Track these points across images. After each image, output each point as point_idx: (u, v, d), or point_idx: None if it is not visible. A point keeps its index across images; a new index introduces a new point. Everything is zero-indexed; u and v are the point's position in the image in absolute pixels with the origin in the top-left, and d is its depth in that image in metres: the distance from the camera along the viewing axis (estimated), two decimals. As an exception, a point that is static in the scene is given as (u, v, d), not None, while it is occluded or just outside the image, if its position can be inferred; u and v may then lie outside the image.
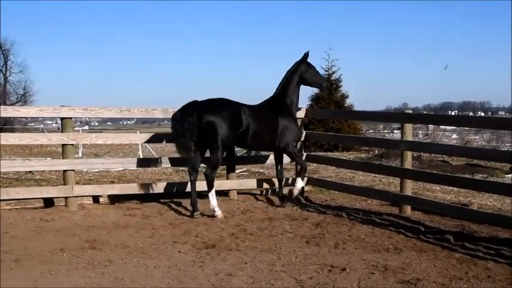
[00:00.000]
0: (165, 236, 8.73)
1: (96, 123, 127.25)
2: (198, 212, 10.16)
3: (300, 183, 11.26)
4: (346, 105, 33.57)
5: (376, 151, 23.15)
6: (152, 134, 11.82)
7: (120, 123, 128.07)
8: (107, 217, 10.07)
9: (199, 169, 10.56)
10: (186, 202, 11.03)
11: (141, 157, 20.42)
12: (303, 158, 12.01)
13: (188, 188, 10.91)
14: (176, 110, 10.26)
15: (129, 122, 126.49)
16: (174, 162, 11.49)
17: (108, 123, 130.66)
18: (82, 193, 10.90)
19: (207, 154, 10.42)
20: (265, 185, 12.24)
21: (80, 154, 24.37)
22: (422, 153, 19.95)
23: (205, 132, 9.94)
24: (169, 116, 10.68)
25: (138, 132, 22.47)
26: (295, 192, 11.22)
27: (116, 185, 11.77)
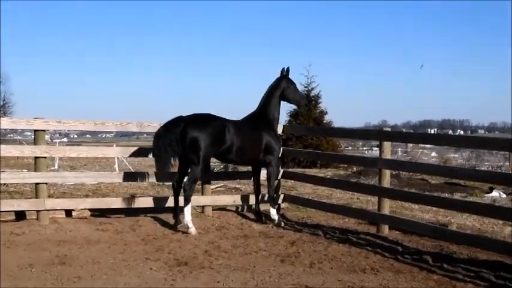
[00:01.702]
0: (137, 252, 8.59)
1: (75, 136, 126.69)
2: (182, 224, 10.15)
3: (273, 212, 11.15)
4: (325, 121, 33.54)
5: (355, 168, 23.15)
6: (134, 147, 11.58)
7: (99, 136, 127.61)
8: (78, 232, 9.88)
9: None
10: (161, 217, 10.98)
11: (117, 171, 20.20)
12: (280, 175, 11.94)
13: (165, 203, 11.10)
14: (160, 126, 10.29)
15: (107, 135, 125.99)
16: (150, 176, 11.33)
17: (87, 135, 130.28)
18: (54, 207, 10.69)
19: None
20: (241, 201, 12.13)
21: (56, 166, 24.06)
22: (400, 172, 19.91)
23: (189, 147, 9.92)
24: (145, 130, 10.81)
25: (114, 145, 22.22)
26: (275, 218, 11.05)
27: (88, 200, 11.62)
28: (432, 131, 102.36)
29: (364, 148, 70.58)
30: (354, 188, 12.10)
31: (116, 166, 23.98)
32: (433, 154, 49.72)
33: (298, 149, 26.14)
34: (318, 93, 34.49)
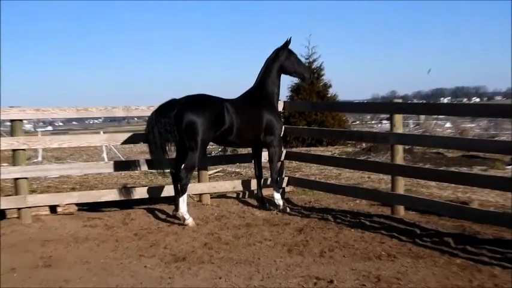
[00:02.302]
0: (130, 249, 8.49)
1: (61, 123, 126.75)
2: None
3: (277, 197, 11.05)
4: (329, 95, 33.19)
5: (364, 144, 22.98)
6: (123, 133, 11.51)
7: (87, 122, 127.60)
8: (64, 229, 9.78)
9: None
10: (155, 208, 10.97)
11: (105, 160, 20.10)
12: (283, 156, 11.88)
13: (160, 192, 11.16)
14: (153, 110, 10.21)
15: (95, 121, 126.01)
16: (141, 164, 11.25)
17: (74, 123, 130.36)
18: (37, 203, 10.58)
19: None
20: (242, 187, 12.05)
21: (40, 158, 23.97)
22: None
23: (186, 132, 9.83)
24: (132, 114, 10.87)
25: (101, 132, 22.09)
26: (280, 203, 10.96)
27: (74, 193, 11.47)
28: (445, 100, 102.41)
29: (373, 122, 70.29)
30: (364, 167, 12.00)
31: (105, 155, 23.95)
32: (448, 125, 49.40)
33: (301, 126, 26.04)
34: (321, 65, 34.14)
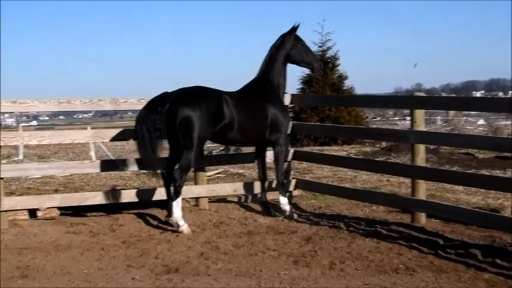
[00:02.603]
0: (117, 258, 8.53)
1: (47, 118, 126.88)
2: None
3: (283, 201, 11.05)
4: (344, 88, 32.96)
5: (384, 143, 22.93)
6: (112, 129, 11.65)
7: (75, 116, 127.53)
8: (44, 236, 9.83)
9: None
10: (146, 213, 11.01)
11: (93, 158, 20.09)
12: (290, 155, 11.90)
13: (152, 195, 11.19)
14: (143, 106, 10.27)
15: (85, 116, 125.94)
16: (133, 164, 11.29)
17: (61, 117, 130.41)
18: (13, 207, 10.64)
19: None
20: (244, 190, 12.06)
21: (21, 156, 23.99)
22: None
23: (181, 128, 9.84)
24: (120, 107, 10.95)
25: (88, 127, 22.06)
26: (286, 209, 10.97)
27: (56, 196, 11.49)
28: (478, 94, 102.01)
29: (396, 118, 70.24)
30: (381, 168, 11.94)
31: (92, 153, 23.94)
32: (480, 122, 49.30)
33: (310, 123, 25.92)
34: (335, 54, 33.92)
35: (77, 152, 26.92)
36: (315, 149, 24.80)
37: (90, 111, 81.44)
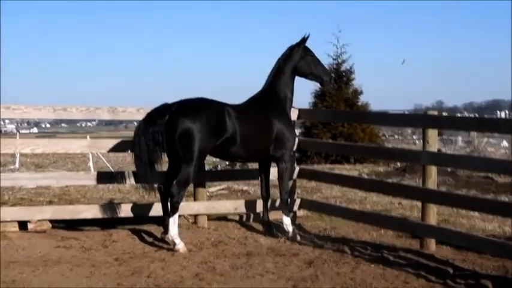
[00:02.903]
0: (108, 276, 8.51)
1: (48, 125, 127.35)
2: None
3: (286, 222, 10.99)
4: (359, 103, 33.00)
5: (399, 164, 22.86)
6: (110, 139, 11.65)
7: (78, 124, 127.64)
8: (34, 249, 9.81)
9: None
10: (142, 229, 10.99)
11: (91, 169, 20.10)
12: (295, 173, 11.83)
13: (149, 211, 11.18)
14: (142, 118, 10.27)
15: (89, 124, 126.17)
16: (132, 177, 11.28)
17: (63, 124, 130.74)
18: (3, 218, 10.64)
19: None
20: (246, 208, 12.00)
21: (17, 165, 24.10)
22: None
23: (181, 141, 9.85)
24: (118, 117, 10.94)
25: (88, 137, 22.13)
26: (289, 230, 10.90)
27: (48, 208, 11.51)
28: (502, 114, 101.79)
29: (415, 137, 70.06)
30: (389, 190, 11.92)
31: (91, 164, 23.98)
32: (504, 144, 48.92)
33: (318, 139, 25.86)
34: (351, 67, 33.98)
35: (77, 162, 27.01)
36: (326, 167, 24.76)
37: (93, 120, 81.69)
